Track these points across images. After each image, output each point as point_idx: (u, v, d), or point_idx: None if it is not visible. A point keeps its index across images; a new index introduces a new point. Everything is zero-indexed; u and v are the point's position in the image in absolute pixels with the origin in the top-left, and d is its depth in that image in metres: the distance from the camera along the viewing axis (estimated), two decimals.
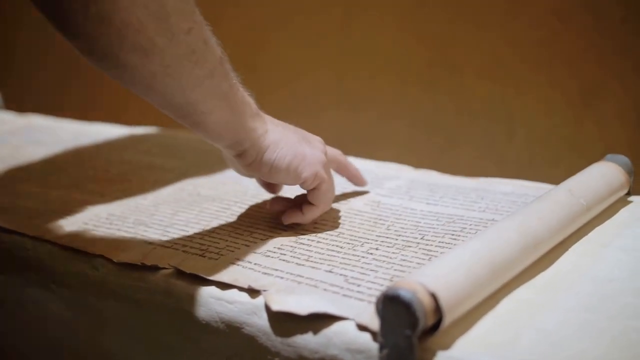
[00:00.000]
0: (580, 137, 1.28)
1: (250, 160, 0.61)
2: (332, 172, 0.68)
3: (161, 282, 0.57)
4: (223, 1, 1.55)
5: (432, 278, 0.45)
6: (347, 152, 1.43)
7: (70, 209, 0.72)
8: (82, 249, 0.62)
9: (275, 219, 0.66)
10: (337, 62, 1.46)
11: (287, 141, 0.62)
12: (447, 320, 0.44)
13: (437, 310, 0.44)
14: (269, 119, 0.63)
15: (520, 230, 0.52)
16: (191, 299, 0.55)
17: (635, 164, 0.67)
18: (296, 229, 0.64)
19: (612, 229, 0.61)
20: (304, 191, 0.65)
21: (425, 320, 0.44)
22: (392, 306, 0.44)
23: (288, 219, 0.64)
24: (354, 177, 0.73)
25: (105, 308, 0.61)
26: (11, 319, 0.70)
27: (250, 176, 0.66)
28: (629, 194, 0.68)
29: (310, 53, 1.49)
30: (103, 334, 0.63)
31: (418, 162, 1.40)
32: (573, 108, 1.27)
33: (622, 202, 0.66)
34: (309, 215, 0.64)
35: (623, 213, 0.64)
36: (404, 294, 0.44)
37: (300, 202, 0.65)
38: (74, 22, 0.48)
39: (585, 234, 0.60)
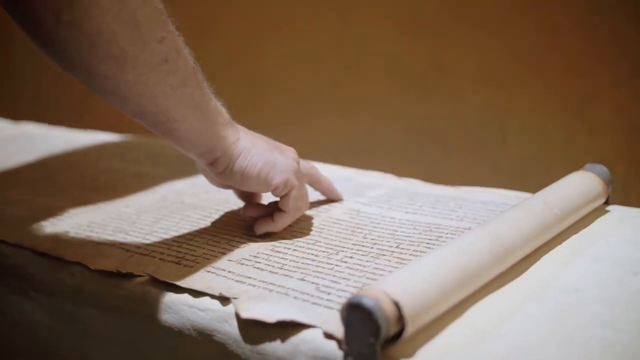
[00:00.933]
0: (573, 145, 1.28)
1: (222, 168, 0.62)
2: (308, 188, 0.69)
3: (136, 289, 0.58)
4: (217, 8, 1.56)
5: (397, 286, 0.46)
6: (341, 158, 1.44)
7: (53, 217, 0.72)
8: (59, 256, 0.63)
9: (251, 227, 0.67)
10: (332, 68, 1.47)
11: (258, 149, 0.62)
12: (410, 328, 0.45)
13: (401, 318, 0.44)
14: (240, 128, 0.63)
15: (490, 239, 0.53)
16: (165, 307, 0.56)
17: (627, 172, 0.67)
18: (273, 237, 0.64)
19: (586, 238, 0.61)
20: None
21: (388, 328, 0.44)
22: (355, 314, 0.44)
23: (260, 229, 0.64)
24: (328, 191, 0.73)
25: (83, 315, 0.61)
26: None
27: (224, 186, 0.66)
28: (607, 203, 0.68)
29: (305, 59, 1.49)
30: (84, 341, 0.63)
31: (412, 169, 1.41)
32: (566, 116, 1.27)
33: (600, 212, 0.67)
34: (280, 222, 0.64)
35: (599, 222, 0.64)
36: (367, 302, 0.44)
37: (272, 210, 0.65)
38: (45, 29, 0.48)
39: (559, 243, 0.60)
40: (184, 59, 0.55)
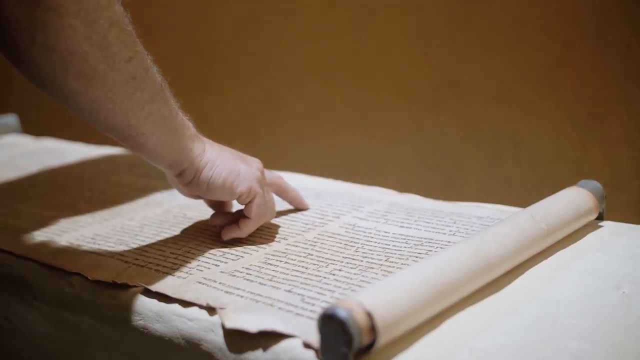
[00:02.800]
0: (585, 161, 1.28)
1: (189, 179, 0.66)
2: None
3: (130, 300, 0.60)
4: (232, 24, 1.59)
5: (372, 298, 0.47)
6: (355, 173, 1.45)
7: (60, 229, 0.75)
8: (60, 267, 0.65)
9: (248, 240, 0.68)
10: (346, 85, 1.48)
11: (222, 159, 0.66)
12: (383, 339, 0.46)
13: (373, 329, 0.46)
14: (206, 140, 0.68)
15: (471, 253, 0.54)
16: (156, 316, 0.57)
17: None
18: (267, 250, 0.66)
19: (574, 252, 0.62)
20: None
21: (361, 338, 0.45)
22: (330, 324, 0.46)
23: (226, 235, 0.68)
24: (294, 200, 0.77)
25: (83, 324, 0.63)
26: (1, 333, 0.73)
27: (193, 196, 0.70)
28: (601, 219, 0.69)
29: (320, 76, 1.51)
30: (85, 350, 0.65)
31: (425, 185, 1.42)
32: (579, 132, 1.27)
33: (592, 227, 0.67)
34: (245, 228, 0.68)
35: (590, 237, 0.65)
36: (340, 312, 0.45)
37: (238, 217, 0.69)
38: (20, 49, 0.52)
39: (546, 257, 0.60)
40: (151, 77, 0.59)
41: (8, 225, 0.77)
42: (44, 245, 0.70)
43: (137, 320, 0.59)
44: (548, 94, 1.29)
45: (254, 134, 1.63)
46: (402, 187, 0.93)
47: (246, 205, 0.68)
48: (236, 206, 0.73)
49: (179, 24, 1.69)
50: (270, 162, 1.52)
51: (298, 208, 0.77)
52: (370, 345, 0.46)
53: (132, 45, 0.57)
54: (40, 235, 0.73)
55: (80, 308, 0.63)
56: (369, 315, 0.46)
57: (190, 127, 0.66)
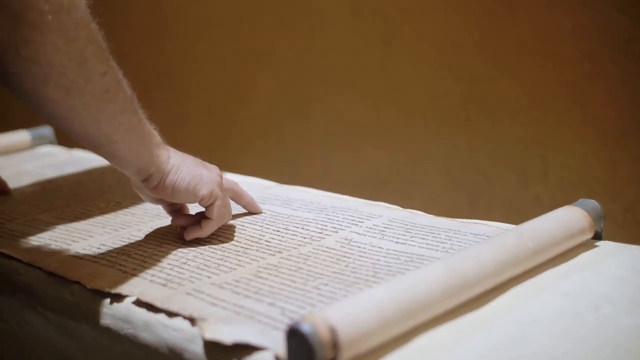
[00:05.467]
0: (615, 179, 1.26)
1: (155, 184, 0.70)
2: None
3: (123, 309, 0.62)
4: (268, 35, 1.61)
5: (337, 313, 0.48)
6: (382, 187, 1.45)
7: (70, 238, 0.78)
8: (62, 275, 0.68)
9: (244, 253, 0.70)
10: (374, 98, 1.49)
11: (186, 165, 0.71)
12: (346, 355, 0.47)
13: (336, 344, 0.46)
14: (170, 148, 0.72)
15: (448, 270, 0.54)
16: (145, 325, 0.59)
17: None
18: (260, 262, 0.67)
19: (561, 272, 0.61)
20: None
21: (323, 352, 0.46)
22: (294, 338, 0.47)
23: (189, 235, 0.73)
24: (248, 205, 0.82)
25: (83, 332, 0.66)
26: (14, 338, 0.76)
27: (156, 201, 0.74)
28: (599, 238, 0.68)
29: (347, 91, 1.52)
30: (86, 356, 0.68)
31: (452, 200, 1.42)
32: (608, 147, 1.25)
33: (587, 246, 0.67)
34: (207, 228, 0.73)
35: (582, 257, 0.65)
36: (304, 327, 0.46)
37: (199, 218, 0.74)
38: (3, 62, 0.56)
39: (532, 276, 0.60)
40: (123, 90, 0.64)
41: (23, 234, 0.80)
42: (51, 254, 0.73)
43: (128, 329, 0.61)
44: (576, 110, 1.28)
45: (282, 146, 1.65)
46: (428, 203, 0.93)
47: (207, 207, 0.73)
48: (194, 209, 0.78)
49: (216, 30, 1.72)
50: (297, 174, 1.54)
51: (252, 212, 0.82)
52: None
53: (107, 61, 0.62)
54: (50, 244, 0.76)
55: (79, 315, 0.65)
56: (333, 331, 0.47)
57: (156, 135, 0.71)
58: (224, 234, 0.76)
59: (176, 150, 0.73)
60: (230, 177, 0.91)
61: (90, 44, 0.59)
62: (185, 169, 0.71)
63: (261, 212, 0.82)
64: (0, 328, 0.75)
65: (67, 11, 0.57)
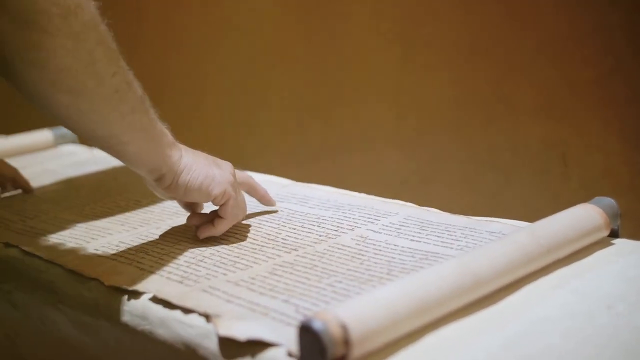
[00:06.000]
0: (637, 178, 1.25)
1: (168, 183, 0.70)
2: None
3: (140, 305, 0.63)
4: (290, 45, 1.62)
5: (349, 310, 0.48)
6: (403, 187, 1.45)
7: (90, 236, 0.79)
8: (81, 273, 0.69)
9: (260, 250, 0.71)
10: (395, 99, 1.50)
11: (198, 165, 0.71)
12: (357, 351, 0.47)
13: (348, 341, 0.47)
14: (183, 147, 0.72)
15: (460, 268, 0.54)
16: (161, 322, 0.60)
17: None
18: (276, 260, 0.68)
19: (575, 270, 0.61)
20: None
21: (334, 349, 0.47)
22: (306, 335, 0.47)
23: (202, 234, 0.74)
24: (263, 198, 0.82)
25: (101, 328, 0.67)
26: (36, 334, 0.77)
27: (169, 198, 0.74)
28: (615, 236, 0.68)
29: (369, 93, 1.53)
30: (106, 353, 0.69)
31: (473, 199, 1.42)
32: (630, 147, 1.25)
33: (603, 244, 0.66)
34: (220, 227, 0.73)
35: (597, 255, 0.64)
36: (316, 324, 0.47)
37: (213, 217, 0.74)
38: (13, 66, 0.57)
39: (546, 274, 0.60)
40: (133, 90, 0.64)
41: (44, 232, 0.81)
42: (71, 252, 0.74)
43: (144, 326, 0.62)
44: (598, 109, 1.27)
45: (302, 146, 1.66)
46: (447, 203, 0.92)
47: (220, 206, 0.73)
48: (208, 207, 0.78)
49: (238, 30, 1.73)
50: (316, 174, 1.54)
51: (267, 205, 0.82)
52: (345, 357, 0.48)
53: (116, 61, 0.62)
54: (70, 242, 0.77)
55: (97, 312, 0.66)
56: (344, 328, 0.47)
57: (168, 135, 0.71)
58: (240, 232, 0.76)
59: (188, 149, 0.73)
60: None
61: (99, 46, 0.59)
62: (197, 168, 0.71)
63: (274, 205, 0.83)
64: (23, 324, 0.77)
65: (75, 14, 0.57)
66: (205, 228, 0.74)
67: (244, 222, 0.79)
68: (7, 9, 0.55)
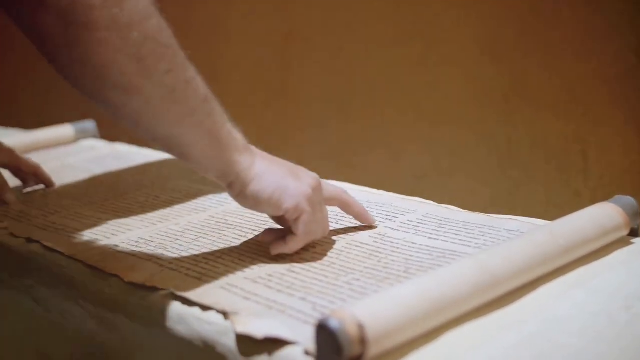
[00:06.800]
0: None
1: (237, 192, 0.66)
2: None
3: (159, 302, 0.63)
4: (309, 43, 1.62)
5: (365, 309, 0.49)
6: (422, 181, 1.45)
7: (110, 232, 0.79)
8: (101, 269, 0.69)
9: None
10: (415, 93, 1.49)
11: (271, 174, 0.66)
12: (374, 350, 0.47)
13: (365, 340, 0.47)
14: (258, 153, 0.67)
15: (477, 268, 0.54)
16: (179, 319, 0.61)
17: None
18: (294, 257, 0.68)
19: (594, 269, 0.61)
20: None
21: (351, 348, 0.47)
22: (323, 333, 0.48)
23: (274, 250, 0.68)
24: (359, 216, 0.75)
25: (121, 324, 0.67)
26: (58, 329, 0.78)
27: (249, 208, 0.68)
28: (636, 235, 0.68)
29: (389, 86, 1.52)
30: (126, 349, 0.69)
31: (492, 194, 1.41)
32: None
33: (623, 244, 0.66)
34: (292, 245, 0.67)
35: (616, 254, 0.64)
36: (332, 322, 0.47)
37: (287, 233, 0.68)
38: (60, 63, 0.56)
39: (564, 274, 0.60)
40: (193, 89, 0.61)
41: (65, 227, 0.82)
42: (91, 247, 0.75)
43: (163, 322, 0.62)
44: (619, 105, 1.26)
45: (321, 141, 1.66)
46: (466, 199, 0.93)
47: (293, 221, 0.67)
48: None
49: (257, 21, 1.73)
50: (336, 169, 1.54)
51: (363, 223, 0.75)
52: (362, 356, 0.48)
53: (171, 58, 0.59)
54: (90, 238, 0.78)
55: (117, 308, 0.67)
56: (360, 327, 0.47)
57: (238, 139, 0.66)
58: (259, 230, 0.77)
59: (266, 156, 0.68)
60: None
61: (149, 41, 0.56)
62: (269, 178, 0.65)
63: (373, 224, 0.75)
64: (44, 319, 0.78)
65: (120, 6, 0.54)
66: (277, 244, 0.68)
67: (263, 219, 0.79)
68: (46, 3, 0.53)
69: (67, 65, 0.56)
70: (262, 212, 0.68)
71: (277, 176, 0.66)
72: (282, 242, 0.68)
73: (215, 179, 0.66)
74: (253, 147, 0.68)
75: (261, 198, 0.65)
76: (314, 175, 0.69)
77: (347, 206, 0.75)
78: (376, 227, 0.75)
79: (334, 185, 0.75)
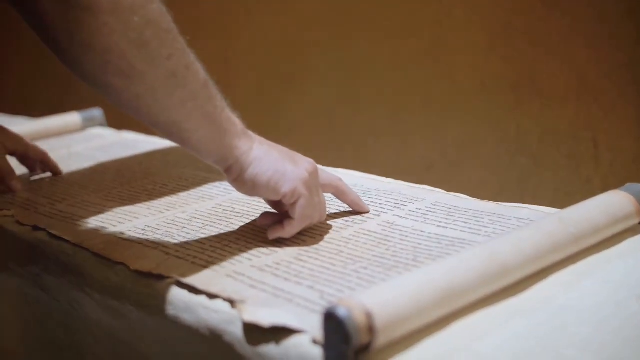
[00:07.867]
0: None
1: (235, 176, 0.67)
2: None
3: (165, 290, 0.63)
4: (317, 34, 1.61)
5: (373, 297, 0.48)
6: (431, 170, 1.44)
7: (116, 220, 0.79)
8: (108, 257, 0.69)
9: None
10: (424, 81, 1.48)
11: (269, 159, 0.67)
12: (382, 339, 0.47)
13: (372, 328, 0.47)
14: (256, 138, 0.68)
15: (486, 256, 0.54)
16: (186, 307, 0.60)
17: None
18: (301, 245, 0.68)
19: (604, 258, 0.60)
20: None
21: (359, 337, 0.46)
22: (331, 322, 0.47)
23: (271, 234, 0.68)
24: (354, 203, 0.75)
25: (128, 312, 0.67)
26: (66, 317, 0.78)
27: (245, 193, 0.69)
28: None
29: (398, 75, 1.51)
30: (133, 337, 0.69)
31: (502, 183, 1.40)
32: None
33: (633, 232, 0.65)
34: (289, 228, 0.68)
35: (627, 243, 0.63)
36: (340, 311, 0.47)
37: (284, 217, 0.69)
38: (61, 48, 0.56)
39: (574, 262, 0.59)
40: (193, 74, 0.61)
41: (72, 215, 0.82)
42: (98, 235, 0.75)
43: (170, 310, 0.62)
44: (630, 93, 1.25)
45: (330, 130, 1.65)
46: (476, 188, 0.92)
47: (290, 205, 0.67)
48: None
49: (266, 13, 1.72)
50: (344, 158, 1.54)
51: (358, 211, 0.76)
52: (371, 344, 0.47)
53: (172, 43, 0.59)
54: (97, 226, 0.78)
55: (123, 296, 0.67)
56: (368, 315, 0.47)
57: (237, 124, 0.67)
58: None
59: (264, 141, 0.69)
60: None
61: (150, 25, 0.56)
62: (267, 162, 0.66)
63: (367, 212, 0.75)
64: (51, 307, 0.78)
65: None
66: (274, 229, 0.68)
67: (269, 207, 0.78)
68: None
69: (68, 51, 0.56)
70: (259, 196, 0.68)
71: (275, 160, 0.67)
72: (280, 226, 0.68)
73: (213, 164, 0.67)
74: (251, 132, 0.68)
75: (259, 181, 0.66)
76: (310, 160, 0.70)
77: (342, 193, 0.75)
78: (368, 212, 0.76)
79: (329, 172, 0.75)
